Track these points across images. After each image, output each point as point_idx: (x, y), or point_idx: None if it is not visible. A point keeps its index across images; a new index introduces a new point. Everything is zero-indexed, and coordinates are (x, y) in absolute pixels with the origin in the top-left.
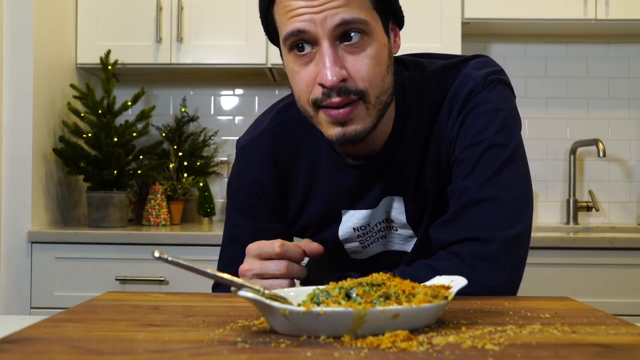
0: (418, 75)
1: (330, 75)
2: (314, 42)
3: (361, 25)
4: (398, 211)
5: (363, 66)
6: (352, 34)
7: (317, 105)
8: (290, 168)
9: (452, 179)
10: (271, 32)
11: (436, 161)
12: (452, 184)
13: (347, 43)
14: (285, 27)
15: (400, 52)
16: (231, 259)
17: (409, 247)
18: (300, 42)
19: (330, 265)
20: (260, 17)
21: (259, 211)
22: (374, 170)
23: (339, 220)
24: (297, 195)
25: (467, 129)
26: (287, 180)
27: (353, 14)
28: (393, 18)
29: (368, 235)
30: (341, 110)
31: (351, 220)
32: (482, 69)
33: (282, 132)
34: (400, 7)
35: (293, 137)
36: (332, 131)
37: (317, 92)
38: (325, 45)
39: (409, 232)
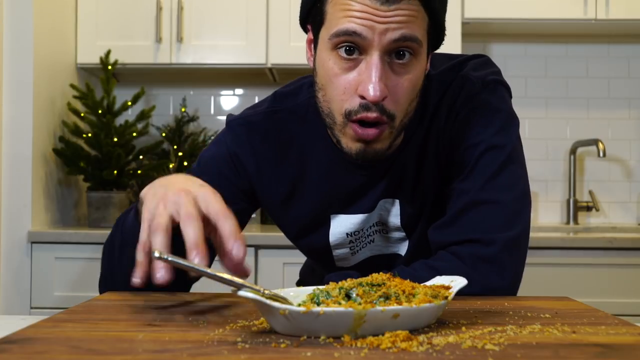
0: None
1: (373, 91)
2: (363, 50)
3: (416, 45)
4: (393, 214)
5: (401, 90)
6: (405, 52)
7: (349, 117)
8: (276, 159)
9: (449, 180)
10: (310, 17)
11: (434, 163)
12: (450, 185)
13: (397, 60)
14: (339, 23)
15: None
16: None
17: (398, 249)
18: (350, 45)
19: (320, 270)
20: None
21: (229, 184)
22: (378, 172)
23: (326, 225)
24: (281, 190)
25: (466, 131)
26: (272, 170)
27: (413, 32)
28: (434, 44)
29: (359, 240)
30: (370, 132)
31: (344, 225)
32: (480, 70)
33: (274, 120)
34: (445, 34)
35: (286, 129)
36: (354, 145)
37: (354, 103)
38: (375, 56)
39: (401, 234)
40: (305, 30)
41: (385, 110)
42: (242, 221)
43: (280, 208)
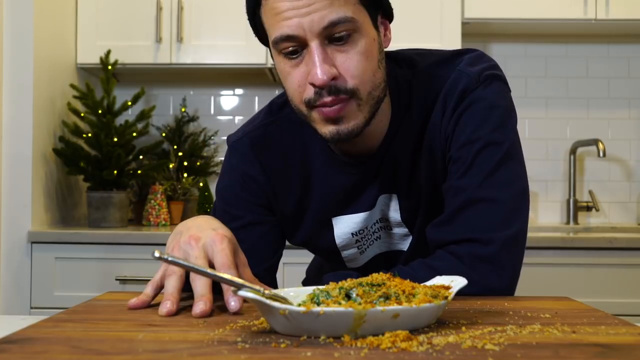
0: (410, 72)
1: (320, 74)
2: (304, 44)
3: (348, 23)
4: (393, 209)
5: (353, 63)
6: (341, 33)
7: (309, 105)
8: (283, 168)
9: (447, 177)
10: (260, 32)
11: (430, 158)
12: (448, 182)
13: (336, 42)
14: (274, 30)
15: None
16: None
17: (404, 246)
18: (290, 47)
19: (331, 269)
20: (248, 18)
21: (251, 204)
22: (371, 168)
23: (330, 228)
24: (293, 197)
25: (463, 127)
26: (281, 179)
27: (339, 14)
28: (382, 12)
29: (365, 238)
30: (333, 108)
31: (348, 225)
32: (476, 65)
33: (274, 130)
34: (388, 0)
35: (286, 137)
36: (326, 129)
37: (310, 92)
38: (314, 45)
39: (404, 230)
40: (267, 45)
41: (339, 89)
42: (279, 237)
43: (293, 217)
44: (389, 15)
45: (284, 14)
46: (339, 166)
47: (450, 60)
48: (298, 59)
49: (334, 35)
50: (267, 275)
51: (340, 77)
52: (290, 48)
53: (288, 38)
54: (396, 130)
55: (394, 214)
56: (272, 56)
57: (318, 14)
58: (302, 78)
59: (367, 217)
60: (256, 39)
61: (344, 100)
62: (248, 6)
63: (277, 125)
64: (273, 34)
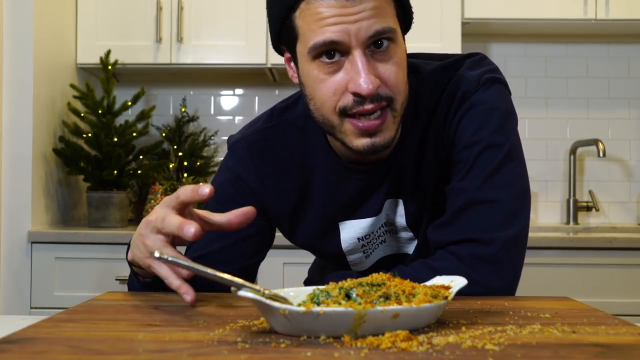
0: (414, 79)
1: (366, 84)
2: (345, 51)
3: (391, 34)
4: (399, 214)
5: (392, 73)
6: (383, 42)
7: (344, 113)
8: (280, 172)
9: (449, 180)
10: (283, 37)
11: (434, 162)
12: (450, 184)
13: (378, 51)
14: (315, 36)
15: None
16: (203, 245)
17: (409, 249)
18: (330, 52)
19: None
20: (272, 21)
21: (239, 206)
22: (378, 174)
23: (336, 233)
24: (288, 202)
25: (463, 130)
26: (277, 184)
27: (384, 24)
28: (405, 25)
29: (371, 243)
30: (372, 122)
31: (354, 230)
32: (476, 69)
33: (273, 134)
34: (412, 13)
35: (286, 141)
36: (360, 142)
37: (347, 99)
38: (357, 54)
39: (409, 234)
40: (281, 53)
41: (380, 96)
42: (264, 240)
43: (290, 220)
44: (407, 28)
45: (329, 19)
46: (345, 172)
47: (451, 65)
48: (335, 65)
49: (376, 45)
50: (239, 275)
51: (382, 86)
52: (328, 55)
53: (332, 43)
54: (405, 137)
55: (400, 218)
56: (293, 62)
57: (366, 22)
58: (340, 86)
59: (374, 223)
60: (256, 38)
61: (383, 108)
62: (279, 9)
63: (278, 128)
64: (313, 39)
